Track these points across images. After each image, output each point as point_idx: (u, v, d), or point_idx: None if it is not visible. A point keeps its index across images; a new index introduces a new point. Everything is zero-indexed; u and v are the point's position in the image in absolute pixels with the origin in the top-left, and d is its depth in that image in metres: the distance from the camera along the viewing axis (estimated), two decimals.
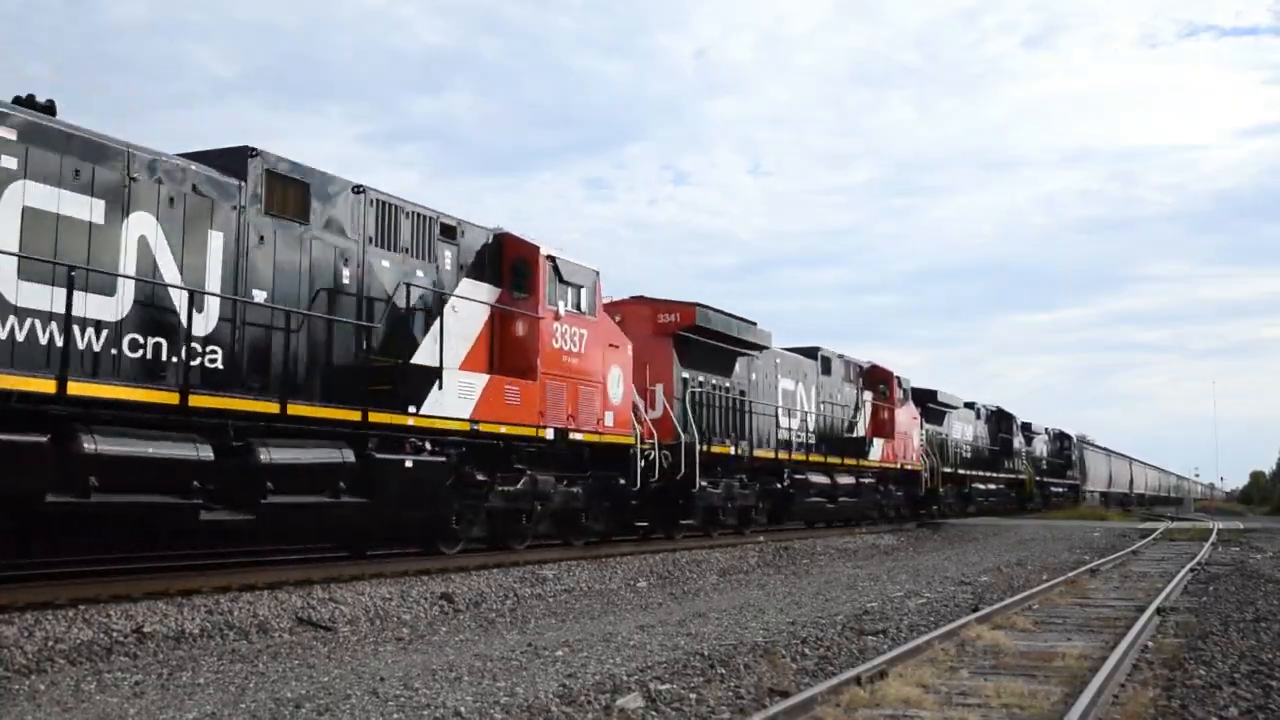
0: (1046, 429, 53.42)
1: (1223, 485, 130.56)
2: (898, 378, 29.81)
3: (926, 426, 33.03)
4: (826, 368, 26.41)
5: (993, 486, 42.43)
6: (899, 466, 29.79)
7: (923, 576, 15.35)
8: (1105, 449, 74.09)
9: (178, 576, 10.42)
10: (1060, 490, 54.73)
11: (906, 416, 30.53)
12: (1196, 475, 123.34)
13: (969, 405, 40.02)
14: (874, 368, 29.34)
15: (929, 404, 33.75)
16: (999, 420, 43.81)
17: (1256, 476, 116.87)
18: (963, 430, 38.75)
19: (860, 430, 27.74)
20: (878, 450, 28.39)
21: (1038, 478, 48.50)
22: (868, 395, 28.50)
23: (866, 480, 27.39)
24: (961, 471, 37.55)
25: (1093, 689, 6.43)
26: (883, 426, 28.89)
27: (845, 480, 25.82)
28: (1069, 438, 57.47)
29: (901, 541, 24.68)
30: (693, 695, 6.49)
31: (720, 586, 14.13)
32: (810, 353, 25.82)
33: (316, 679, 7.08)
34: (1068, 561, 18.41)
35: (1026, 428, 47.47)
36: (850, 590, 13.36)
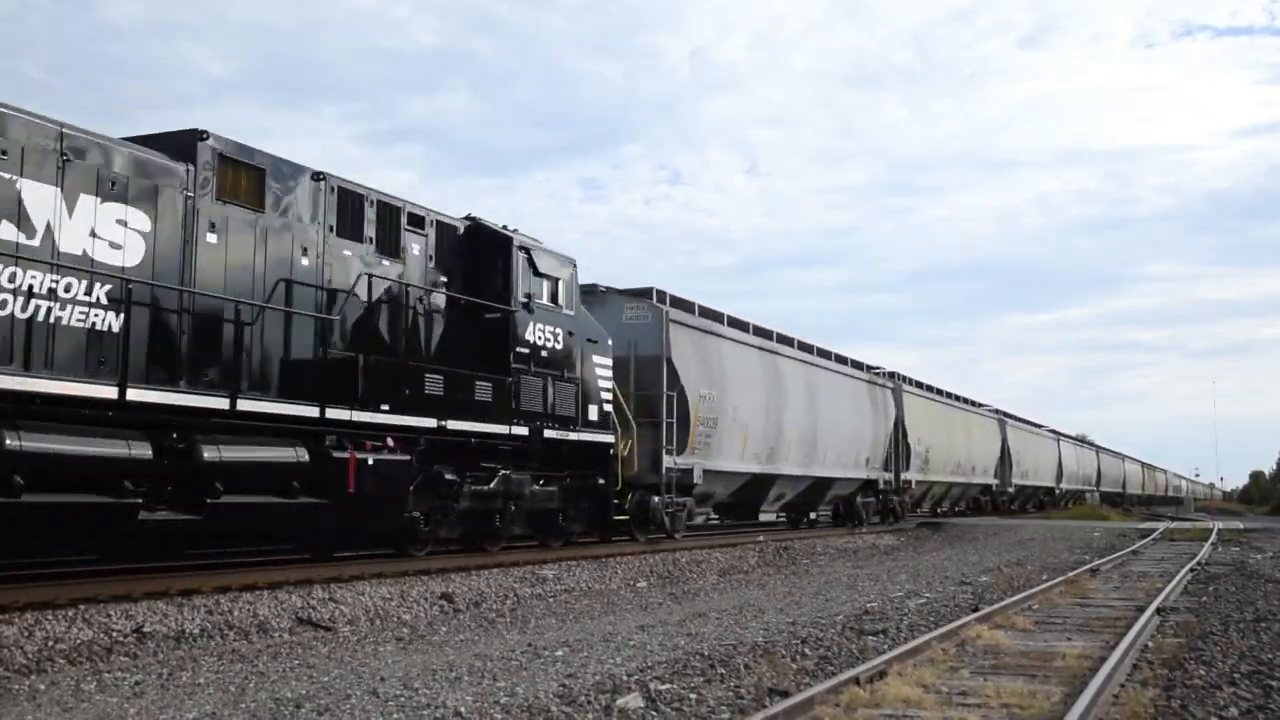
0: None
1: (1222, 485, 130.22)
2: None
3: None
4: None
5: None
6: None
7: (923, 576, 15.35)
8: (941, 391, 35.58)
9: (178, 576, 10.40)
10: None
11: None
12: (1197, 475, 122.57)
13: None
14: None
15: None
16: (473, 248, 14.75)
17: (1256, 476, 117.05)
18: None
19: None
20: None
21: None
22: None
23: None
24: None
25: (1093, 689, 6.43)
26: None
27: None
28: None
29: (901, 541, 24.70)
30: (693, 695, 6.48)
31: (720, 586, 14.13)
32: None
33: (316, 679, 7.08)
34: (1068, 561, 18.41)
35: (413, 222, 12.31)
36: (850, 590, 13.36)
